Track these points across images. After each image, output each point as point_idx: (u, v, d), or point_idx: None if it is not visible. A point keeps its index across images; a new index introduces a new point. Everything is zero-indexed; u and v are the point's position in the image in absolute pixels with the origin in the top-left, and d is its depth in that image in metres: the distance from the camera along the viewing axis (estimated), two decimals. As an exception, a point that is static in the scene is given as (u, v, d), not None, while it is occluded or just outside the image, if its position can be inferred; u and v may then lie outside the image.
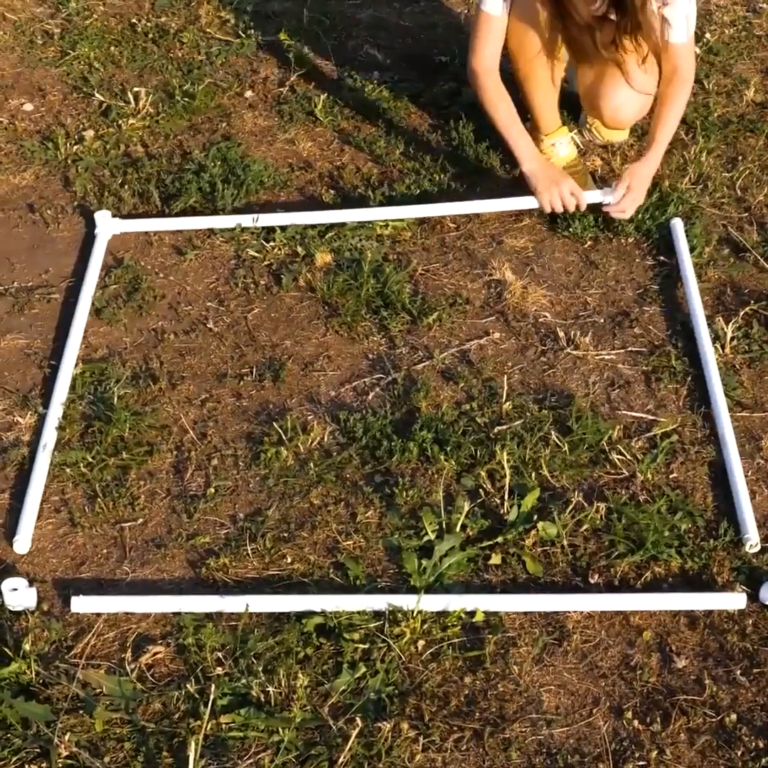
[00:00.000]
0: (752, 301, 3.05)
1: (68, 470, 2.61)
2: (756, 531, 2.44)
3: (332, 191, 3.47)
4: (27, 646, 2.21)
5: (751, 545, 2.42)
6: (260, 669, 2.19)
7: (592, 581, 2.36)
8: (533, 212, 3.37)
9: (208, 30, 4.27)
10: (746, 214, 3.38)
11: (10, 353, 2.95)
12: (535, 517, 2.47)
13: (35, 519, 2.49)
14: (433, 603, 2.30)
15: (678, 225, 3.26)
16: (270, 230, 3.29)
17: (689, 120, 3.70)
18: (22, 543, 2.44)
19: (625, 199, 3.22)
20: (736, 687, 2.20)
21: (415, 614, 2.26)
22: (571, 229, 3.28)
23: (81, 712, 2.13)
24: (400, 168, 3.56)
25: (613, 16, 3.03)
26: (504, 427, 2.69)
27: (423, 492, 2.56)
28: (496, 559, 2.41)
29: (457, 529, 2.44)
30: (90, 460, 2.62)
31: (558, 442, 2.64)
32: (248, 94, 3.96)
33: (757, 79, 3.95)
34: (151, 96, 3.85)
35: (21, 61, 4.15)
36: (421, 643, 2.25)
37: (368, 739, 2.09)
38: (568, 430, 2.68)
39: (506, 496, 2.50)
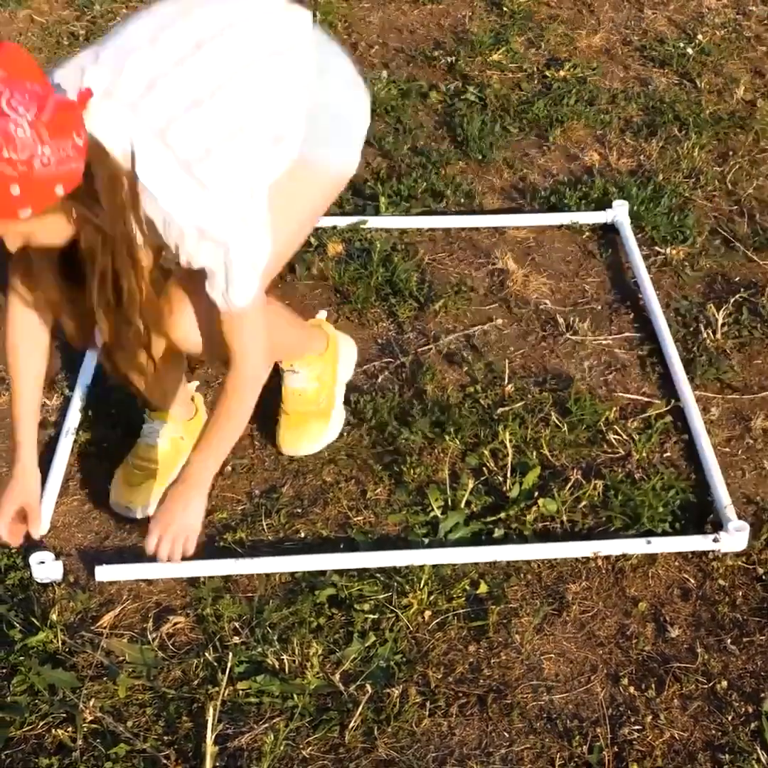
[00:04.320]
0: (742, 289, 3.01)
1: (92, 448, 2.59)
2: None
3: (343, 185, 3.44)
4: (54, 617, 2.20)
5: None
6: (275, 638, 2.17)
7: (590, 556, 2.34)
8: (534, 204, 3.35)
9: (225, 32, 4.23)
10: (736, 207, 3.35)
11: (38, 338, 2.92)
12: (536, 493, 2.45)
13: (54, 504, 2.46)
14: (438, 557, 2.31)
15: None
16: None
17: (683, 117, 3.67)
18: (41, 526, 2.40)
19: (159, 545, 2.20)
20: (726, 655, 2.18)
21: (422, 586, 2.25)
22: (570, 221, 3.26)
23: (105, 679, 2.11)
24: (408, 163, 3.53)
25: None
26: (506, 408, 2.67)
27: (429, 470, 2.53)
28: (498, 533, 2.39)
29: (462, 505, 2.42)
30: (114, 438, 2.60)
31: (558, 423, 2.62)
32: (263, 92, 3.93)
33: (746, 78, 3.92)
34: (171, 94, 3.83)
35: (48, 61, 4.11)
36: (427, 613, 2.23)
37: (377, 705, 2.08)
38: (567, 412, 2.65)
39: (508, 474, 2.48)
